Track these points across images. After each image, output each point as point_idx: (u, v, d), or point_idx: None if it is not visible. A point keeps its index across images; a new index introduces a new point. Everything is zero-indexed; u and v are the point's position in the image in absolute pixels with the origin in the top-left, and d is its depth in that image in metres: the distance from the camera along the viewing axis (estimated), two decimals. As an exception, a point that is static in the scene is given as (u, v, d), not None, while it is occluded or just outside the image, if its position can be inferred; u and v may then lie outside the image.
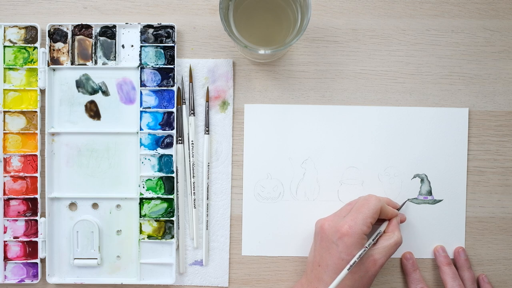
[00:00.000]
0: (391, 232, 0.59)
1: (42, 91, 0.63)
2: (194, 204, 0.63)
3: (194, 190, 0.63)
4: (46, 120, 0.63)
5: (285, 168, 0.64)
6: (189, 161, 0.63)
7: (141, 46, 0.63)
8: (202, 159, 0.64)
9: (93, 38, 0.63)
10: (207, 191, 0.64)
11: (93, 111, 0.64)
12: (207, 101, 0.64)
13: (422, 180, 0.64)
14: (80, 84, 0.63)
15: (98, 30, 0.63)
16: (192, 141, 0.63)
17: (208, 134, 0.64)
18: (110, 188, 0.63)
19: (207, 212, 0.64)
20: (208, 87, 0.64)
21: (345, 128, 0.64)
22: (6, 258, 0.63)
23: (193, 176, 0.63)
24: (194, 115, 0.63)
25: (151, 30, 0.63)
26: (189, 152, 0.63)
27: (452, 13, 0.64)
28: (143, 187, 0.63)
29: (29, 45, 0.63)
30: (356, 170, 0.64)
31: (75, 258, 0.63)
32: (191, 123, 0.63)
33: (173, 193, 0.63)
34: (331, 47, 0.64)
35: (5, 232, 0.63)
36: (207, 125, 0.64)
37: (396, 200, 0.64)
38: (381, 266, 0.57)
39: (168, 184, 0.63)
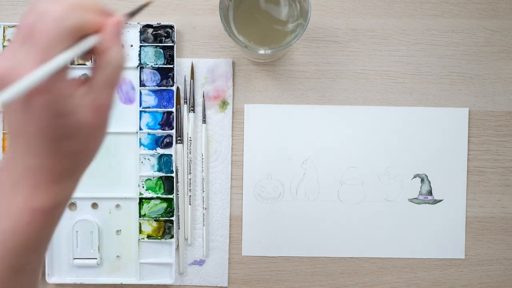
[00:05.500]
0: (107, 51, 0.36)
1: (42, 91, 0.63)
2: (190, 201, 0.63)
3: (190, 187, 0.63)
4: (46, 120, 0.63)
5: (285, 168, 0.64)
6: (187, 158, 0.63)
7: (140, 46, 0.63)
8: (200, 155, 0.64)
9: (93, 38, 0.63)
10: (203, 185, 0.64)
11: (92, 111, 0.63)
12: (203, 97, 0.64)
13: (422, 180, 0.64)
14: (80, 84, 0.63)
15: (98, 30, 0.63)
16: (190, 137, 0.63)
17: (205, 123, 0.63)
18: (109, 188, 0.63)
19: (204, 211, 0.64)
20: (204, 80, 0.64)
21: (345, 128, 0.64)
22: (5, 258, 0.63)
23: (189, 173, 0.63)
24: (194, 112, 0.63)
25: (150, 30, 0.63)
26: (188, 149, 0.63)
27: (452, 13, 0.64)
28: (143, 187, 0.63)
29: (28, 44, 0.63)
30: (356, 170, 0.64)
31: (74, 258, 0.63)
32: (190, 119, 0.63)
33: (173, 193, 0.63)
34: (331, 47, 0.64)
35: (4, 232, 0.63)
36: (204, 116, 0.63)
37: (397, 201, 0.64)
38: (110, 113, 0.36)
39: (168, 184, 0.63)
